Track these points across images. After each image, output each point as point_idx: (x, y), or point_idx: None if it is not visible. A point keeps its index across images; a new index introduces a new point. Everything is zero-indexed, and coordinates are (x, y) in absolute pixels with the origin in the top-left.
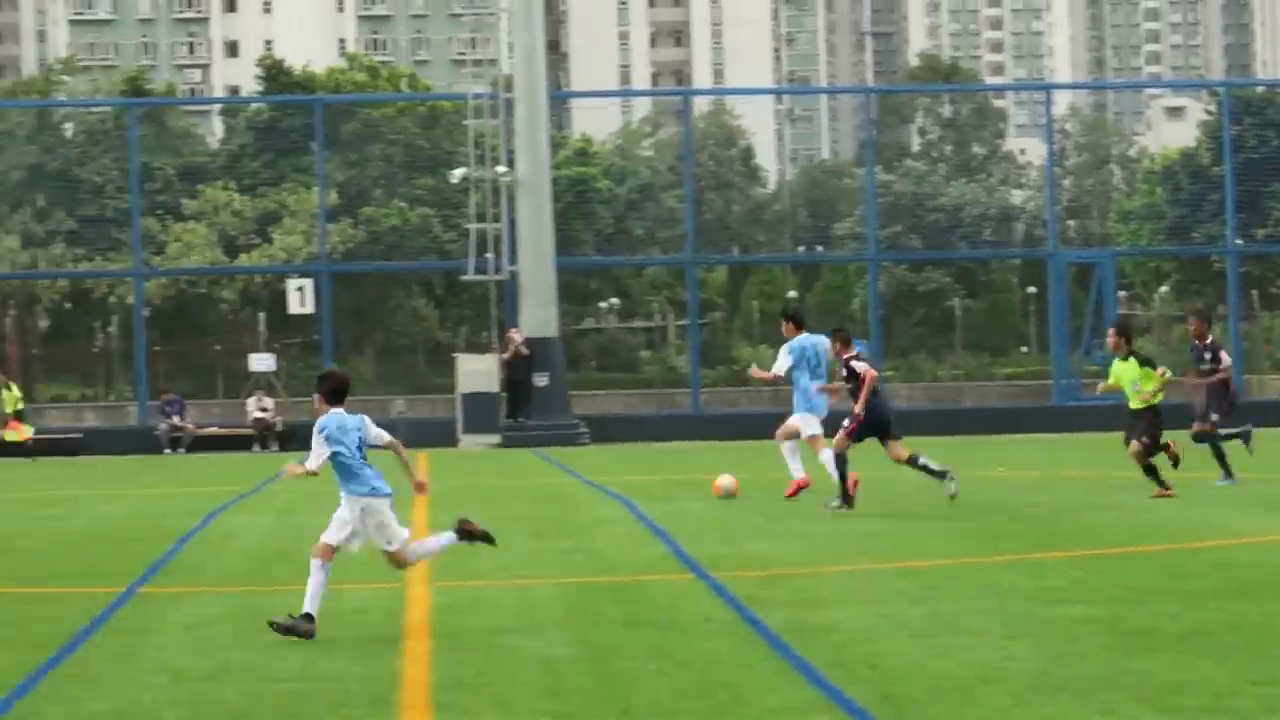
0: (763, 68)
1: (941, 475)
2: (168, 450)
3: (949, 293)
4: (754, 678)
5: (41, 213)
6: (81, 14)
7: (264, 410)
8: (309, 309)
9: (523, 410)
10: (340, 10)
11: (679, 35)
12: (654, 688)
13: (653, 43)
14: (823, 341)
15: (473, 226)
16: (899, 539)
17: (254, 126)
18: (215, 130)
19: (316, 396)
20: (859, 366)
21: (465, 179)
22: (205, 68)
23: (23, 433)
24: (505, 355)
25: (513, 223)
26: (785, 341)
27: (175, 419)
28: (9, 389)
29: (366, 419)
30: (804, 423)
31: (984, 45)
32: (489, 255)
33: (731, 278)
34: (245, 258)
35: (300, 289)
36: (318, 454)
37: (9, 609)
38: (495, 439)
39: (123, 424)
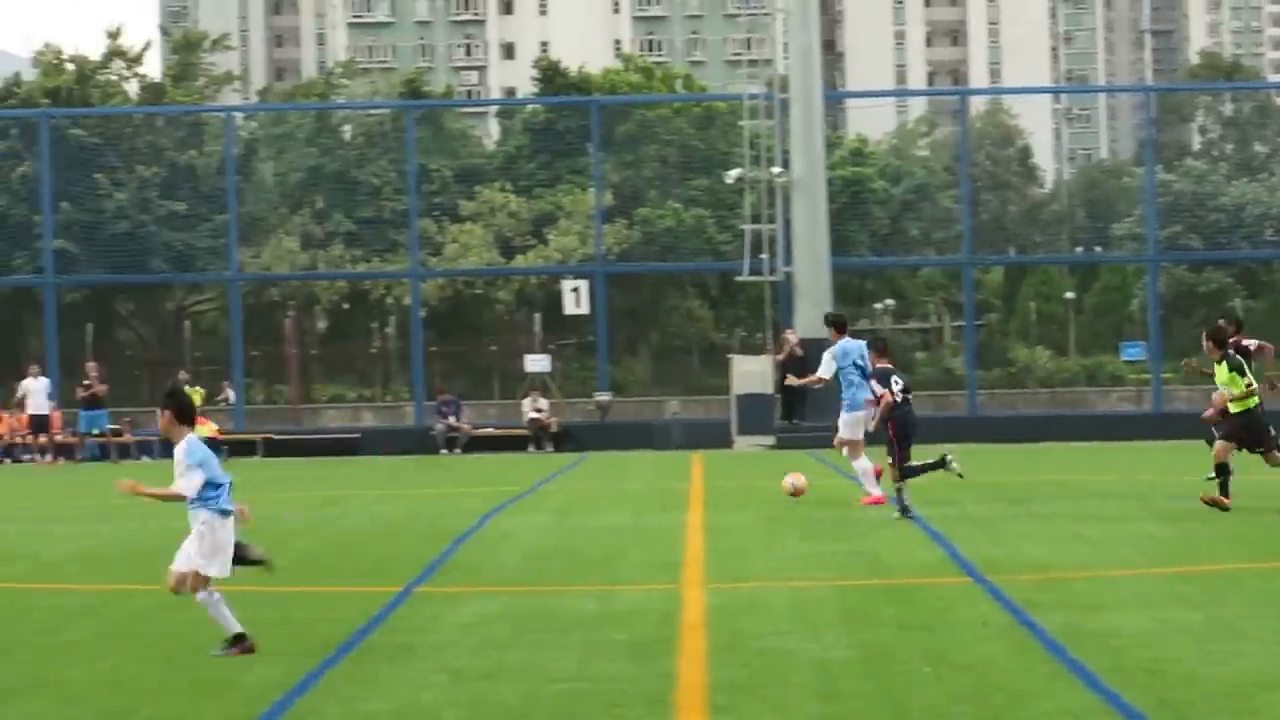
0: (1040, 66)
1: (941, 465)
2: (444, 450)
3: (1230, 293)
4: (1031, 682)
5: (320, 214)
6: (360, 17)
7: (539, 411)
8: (584, 310)
9: (797, 411)
10: (616, 11)
11: (955, 34)
12: (929, 691)
13: (929, 42)
14: (864, 345)
15: (747, 227)
16: (1179, 543)
17: (530, 128)
18: (491, 132)
19: (163, 414)
20: (876, 388)
21: (740, 180)
22: (482, 69)
23: (210, 429)
24: (780, 356)
25: (788, 223)
26: (830, 347)
27: (451, 419)
28: (193, 387)
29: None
30: (845, 424)
31: (1266, 43)
32: (764, 256)
33: (1008, 278)
34: (521, 259)
35: (575, 290)
36: (192, 481)
37: (287, 609)
38: (769, 440)
39: (400, 424)
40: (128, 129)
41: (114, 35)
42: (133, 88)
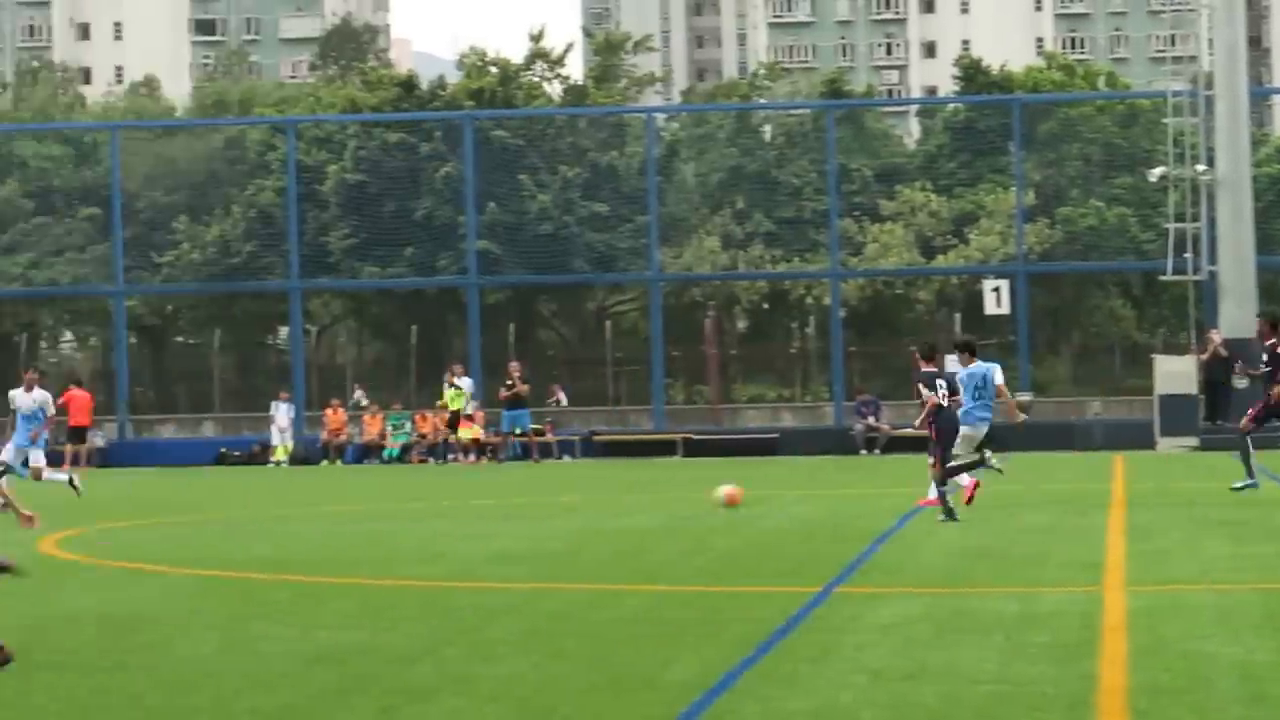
0: None
1: (981, 463)
2: (863, 451)
3: None
4: None
5: (740, 214)
6: (781, 17)
7: None
8: (1005, 310)
9: (1221, 413)
10: (1038, 9)
11: None
12: None
13: None
14: (991, 369)
15: (1171, 226)
16: None
17: (951, 127)
18: (912, 131)
19: None
20: (924, 393)
21: (1164, 178)
22: (902, 69)
23: (475, 431)
24: (1204, 356)
25: (1212, 222)
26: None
27: (871, 419)
28: (456, 388)
29: None
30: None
31: None
32: (1187, 255)
33: None
34: (941, 258)
35: (996, 290)
36: None
37: (707, 607)
38: (1193, 441)
39: (819, 424)
40: (550, 130)
41: (536, 37)
42: (555, 89)
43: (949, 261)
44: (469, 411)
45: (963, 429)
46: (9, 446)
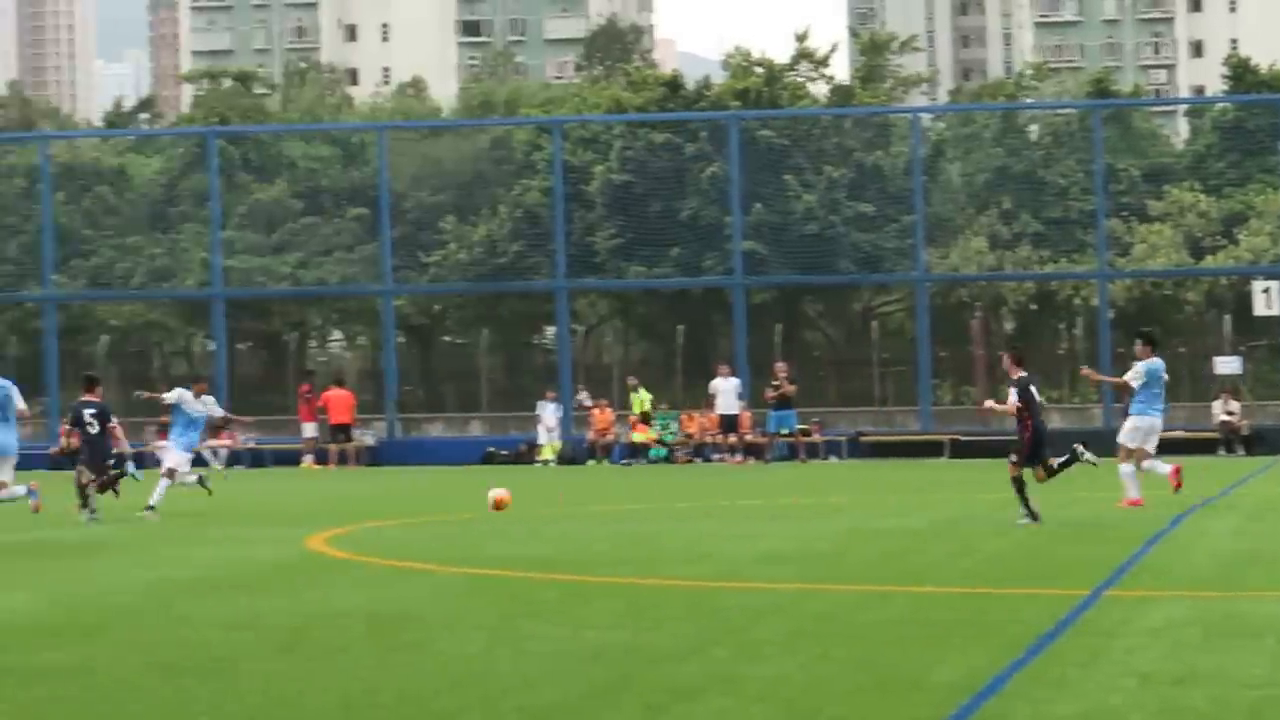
0: None
1: (1075, 459)
2: None
3: None
4: None
5: (1007, 214)
6: (1047, 16)
7: (1229, 414)
8: (1275, 311)
9: None
10: None
11: None
12: None
13: None
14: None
15: None
16: None
17: (1219, 126)
18: (1180, 130)
19: None
20: (1012, 397)
21: None
22: (1170, 68)
23: (648, 434)
24: None
25: None
26: (1139, 361)
27: None
28: (637, 392)
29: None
30: (1127, 430)
31: None
32: None
33: None
34: (1210, 259)
35: (1266, 291)
36: None
37: (974, 609)
38: None
39: (1087, 426)
40: (815, 130)
41: (801, 38)
42: (820, 89)
43: (1218, 262)
44: (729, 409)
45: (1145, 419)
46: (179, 453)
